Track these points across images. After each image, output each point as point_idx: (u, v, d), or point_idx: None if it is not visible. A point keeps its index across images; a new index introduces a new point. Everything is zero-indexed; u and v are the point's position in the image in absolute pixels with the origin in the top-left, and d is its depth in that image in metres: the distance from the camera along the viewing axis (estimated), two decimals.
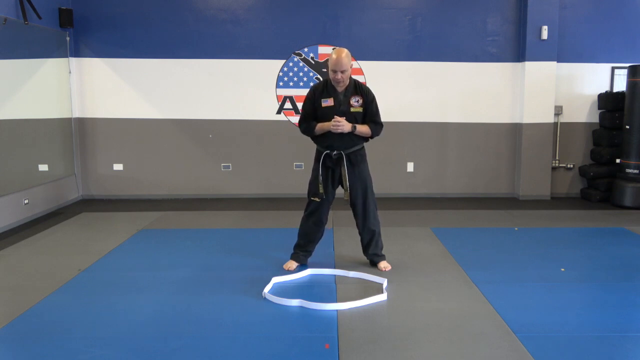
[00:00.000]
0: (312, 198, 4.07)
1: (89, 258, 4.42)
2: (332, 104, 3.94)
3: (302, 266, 4.16)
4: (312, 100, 4.00)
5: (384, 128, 4.10)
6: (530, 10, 6.84)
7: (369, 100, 3.97)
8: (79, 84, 7.02)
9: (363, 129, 3.94)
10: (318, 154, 4.08)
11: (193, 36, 6.98)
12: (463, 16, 7.02)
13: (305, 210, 4.16)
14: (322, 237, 4.24)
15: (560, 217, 6.08)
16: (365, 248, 4.19)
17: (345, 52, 3.83)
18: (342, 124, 3.84)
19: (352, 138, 3.96)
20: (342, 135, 3.92)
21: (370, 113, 3.98)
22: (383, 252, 4.22)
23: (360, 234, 4.16)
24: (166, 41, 6.97)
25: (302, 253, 4.21)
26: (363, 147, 4.07)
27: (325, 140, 3.99)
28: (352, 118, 3.93)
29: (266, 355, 2.81)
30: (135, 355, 2.81)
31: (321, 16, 7.00)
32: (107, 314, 3.33)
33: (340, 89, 3.95)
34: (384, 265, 4.13)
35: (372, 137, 4.04)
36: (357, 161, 4.01)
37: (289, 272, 4.04)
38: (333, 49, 4.09)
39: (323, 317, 3.26)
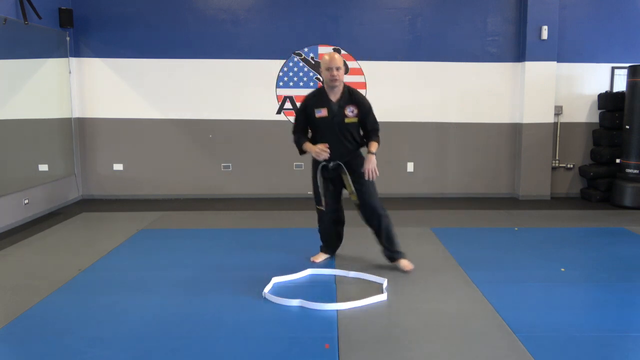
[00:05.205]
0: (317, 207, 4.14)
1: (89, 258, 4.42)
2: (326, 114, 3.90)
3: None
4: (304, 111, 3.97)
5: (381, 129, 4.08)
6: (530, 10, 6.84)
7: (366, 110, 3.93)
8: (79, 84, 7.02)
9: (375, 147, 3.91)
10: (315, 163, 4.05)
11: (193, 36, 6.98)
12: (463, 16, 7.02)
13: (318, 218, 4.26)
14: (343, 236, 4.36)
15: (560, 217, 6.08)
16: (379, 241, 4.11)
17: (337, 53, 3.92)
18: (374, 171, 3.88)
19: (349, 147, 3.94)
20: (338, 145, 3.89)
21: (369, 122, 3.95)
22: (400, 249, 4.12)
23: (371, 227, 4.11)
24: (166, 41, 6.97)
25: (327, 249, 4.36)
26: (359, 150, 4.06)
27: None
28: (345, 129, 3.90)
29: (266, 355, 2.81)
30: (135, 355, 2.81)
31: (321, 16, 7.00)
32: (107, 314, 3.33)
33: (334, 96, 3.91)
34: (403, 264, 4.07)
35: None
36: (357, 166, 3.96)
37: (315, 266, 4.04)
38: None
39: (323, 317, 3.25)
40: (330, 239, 4.31)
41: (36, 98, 6.35)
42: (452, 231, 5.32)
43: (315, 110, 3.91)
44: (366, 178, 3.88)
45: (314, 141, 3.98)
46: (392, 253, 4.12)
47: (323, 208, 4.08)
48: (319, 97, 3.95)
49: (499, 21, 7.04)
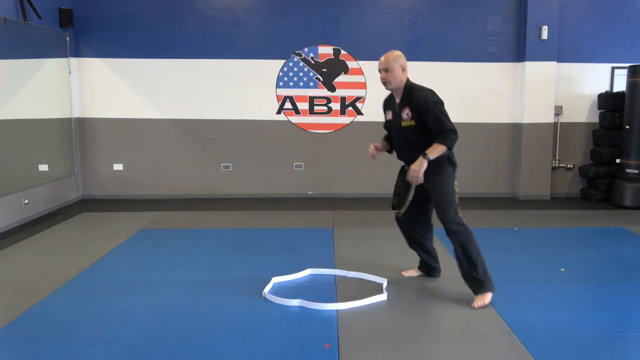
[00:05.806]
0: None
1: (89, 258, 4.42)
2: (391, 117, 3.68)
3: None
4: (384, 113, 3.80)
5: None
6: (530, 10, 6.84)
7: (423, 111, 3.42)
8: (79, 84, 7.02)
9: (434, 150, 3.39)
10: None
11: (193, 36, 6.98)
12: (463, 16, 7.02)
13: None
14: (425, 241, 3.91)
15: (560, 217, 6.08)
16: (458, 263, 3.57)
17: (393, 52, 3.57)
18: (416, 177, 3.45)
19: (414, 153, 3.46)
20: (404, 149, 3.63)
21: (431, 123, 3.42)
22: (483, 277, 3.49)
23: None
24: (166, 41, 6.97)
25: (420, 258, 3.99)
26: (440, 156, 3.47)
27: (398, 153, 3.76)
28: (405, 133, 3.56)
29: (266, 355, 2.81)
30: (135, 355, 2.81)
31: (321, 16, 7.00)
32: (107, 314, 3.33)
33: (398, 98, 3.60)
34: (477, 301, 3.45)
35: (449, 148, 3.47)
36: (430, 173, 3.48)
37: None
38: None
39: (323, 317, 3.25)
40: (410, 241, 3.92)
41: (36, 98, 6.35)
42: None
43: (385, 113, 3.76)
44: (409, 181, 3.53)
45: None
46: (469, 281, 3.52)
47: (394, 208, 3.79)
48: (389, 99, 3.75)
49: (499, 21, 7.04)
